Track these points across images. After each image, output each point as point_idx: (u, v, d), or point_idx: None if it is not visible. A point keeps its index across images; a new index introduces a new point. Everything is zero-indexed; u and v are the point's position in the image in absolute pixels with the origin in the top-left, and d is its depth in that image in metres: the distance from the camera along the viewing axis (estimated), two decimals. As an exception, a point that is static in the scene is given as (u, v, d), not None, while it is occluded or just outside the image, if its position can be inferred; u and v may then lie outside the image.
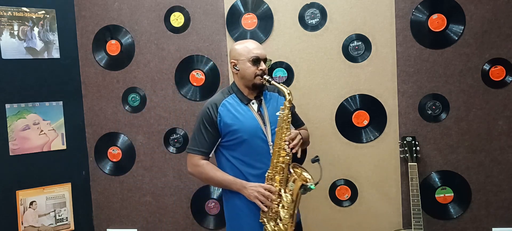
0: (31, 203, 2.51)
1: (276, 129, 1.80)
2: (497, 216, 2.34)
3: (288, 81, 2.47)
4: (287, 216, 1.72)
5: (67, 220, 2.61)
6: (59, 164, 2.57)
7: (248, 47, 1.86)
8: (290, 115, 1.77)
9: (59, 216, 2.58)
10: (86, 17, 2.62)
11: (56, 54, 2.56)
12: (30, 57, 2.50)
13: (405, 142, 2.30)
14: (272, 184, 1.77)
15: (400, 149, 2.34)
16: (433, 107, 2.35)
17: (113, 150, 2.65)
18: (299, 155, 1.79)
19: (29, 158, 2.50)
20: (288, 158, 1.75)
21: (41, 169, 2.53)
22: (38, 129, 2.53)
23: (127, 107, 2.63)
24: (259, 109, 1.88)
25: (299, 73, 2.47)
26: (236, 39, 2.48)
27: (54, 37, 2.56)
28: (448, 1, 2.29)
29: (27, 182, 2.51)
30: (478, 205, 2.35)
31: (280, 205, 1.75)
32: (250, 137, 1.82)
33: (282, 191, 1.75)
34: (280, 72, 2.48)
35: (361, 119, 2.43)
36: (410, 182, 2.21)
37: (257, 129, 1.83)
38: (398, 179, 2.41)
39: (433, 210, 2.39)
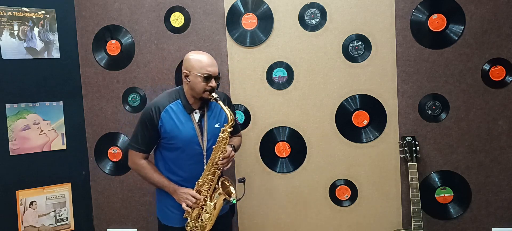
0: (31, 203, 2.52)
1: (213, 146, 1.96)
2: (497, 216, 2.34)
3: (288, 81, 2.47)
4: (207, 219, 1.98)
5: (67, 220, 2.61)
6: (59, 164, 2.57)
7: (202, 62, 1.95)
8: (228, 138, 1.96)
9: (59, 216, 2.58)
10: (86, 17, 2.62)
11: (56, 54, 2.56)
12: (30, 57, 2.50)
13: (405, 142, 2.30)
14: (200, 191, 1.97)
15: (400, 149, 2.34)
16: (433, 107, 2.35)
17: (113, 150, 2.66)
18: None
19: (29, 158, 2.50)
20: (218, 172, 1.98)
21: (41, 169, 2.53)
22: (38, 129, 2.53)
23: (127, 107, 2.63)
24: (200, 120, 2.01)
25: (299, 73, 2.47)
26: (236, 39, 2.49)
27: (54, 37, 2.56)
28: (448, 1, 2.29)
29: (27, 182, 2.51)
30: (478, 205, 2.35)
31: (204, 209, 1.98)
32: (185, 145, 1.97)
33: (208, 199, 1.98)
34: (280, 72, 2.48)
35: (361, 119, 2.43)
36: (410, 182, 2.21)
37: (193, 140, 1.98)
38: (398, 179, 2.41)
39: (433, 210, 2.39)
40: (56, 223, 2.58)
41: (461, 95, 2.32)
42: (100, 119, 2.65)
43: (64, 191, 2.60)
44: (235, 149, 2.10)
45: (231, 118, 1.93)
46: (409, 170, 2.23)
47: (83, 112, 2.65)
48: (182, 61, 2.52)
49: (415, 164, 2.23)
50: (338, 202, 2.49)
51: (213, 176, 1.97)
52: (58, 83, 2.57)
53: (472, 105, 2.31)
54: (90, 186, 2.69)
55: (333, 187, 2.49)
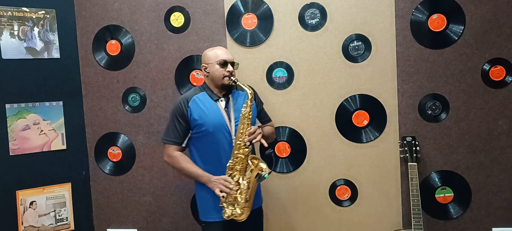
0: (31, 203, 2.52)
1: (238, 125, 2.01)
2: (497, 216, 2.34)
3: (288, 81, 2.47)
4: (243, 201, 1.97)
5: (67, 220, 2.61)
6: (59, 164, 2.57)
7: (217, 52, 2.09)
8: (251, 113, 1.99)
9: (59, 216, 2.58)
10: (86, 17, 2.62)
11: (56, 54, 2.57)
12: (30, 57, 2.50)
13: (405, 142, 2.30)
14: (232, 173, 2.00)
15: (400, 149, 2.34)
16: (433, 107, 2.35)
17: (113, 150, 2.66)
18: (266, 145, 2.01)
19: (29, 158, 2.50)
20: (247, 150, 1.98)
21: (41, 169, 2.53)
22: (38, 129, 2.53)
23: (127, 107, 2.63)
24: (226, 106, 2.09)
25: (299, 73, 2.47)
26: (236, 39, 2.49)
27: (54, 37, 2.56)
28: (448, 1, 2.29)
29: (27, 182, 2.51)
30: (478, 205, 2.35)
31: (238, 191, 1.99)
32: (215, 130, 2.04)
33: (241, 179, 1.99)
34: (280, 72, 2.48)
35: (361, 119, 2.43)
36: (410, 182, 2.21)
37: (222, 124, 2.05)
38: (398, 179, 2.41)
39: (433, 210, 2.39)
40: (56, 223, 2.58)
41: (461, 95, 2.32)
42: (100, 119, 2.65)
43: (64, 191, 2.60)
44: (264, 131, 2.12)
45: (251, 92, 1.98)
46: (409, 170, 2.23)
47: (83, 112, 2.65)
48: (182, 61, 2.55)
49: (415, 164, 2.23)
50: (338, 202, 2.49)
51: (243, 155, 1.98)
52: (58, 83, 2.57)
53: (472, 105, 2.31)
54: (90, 186, 2.69)
55: (333, 187, 2.49)
